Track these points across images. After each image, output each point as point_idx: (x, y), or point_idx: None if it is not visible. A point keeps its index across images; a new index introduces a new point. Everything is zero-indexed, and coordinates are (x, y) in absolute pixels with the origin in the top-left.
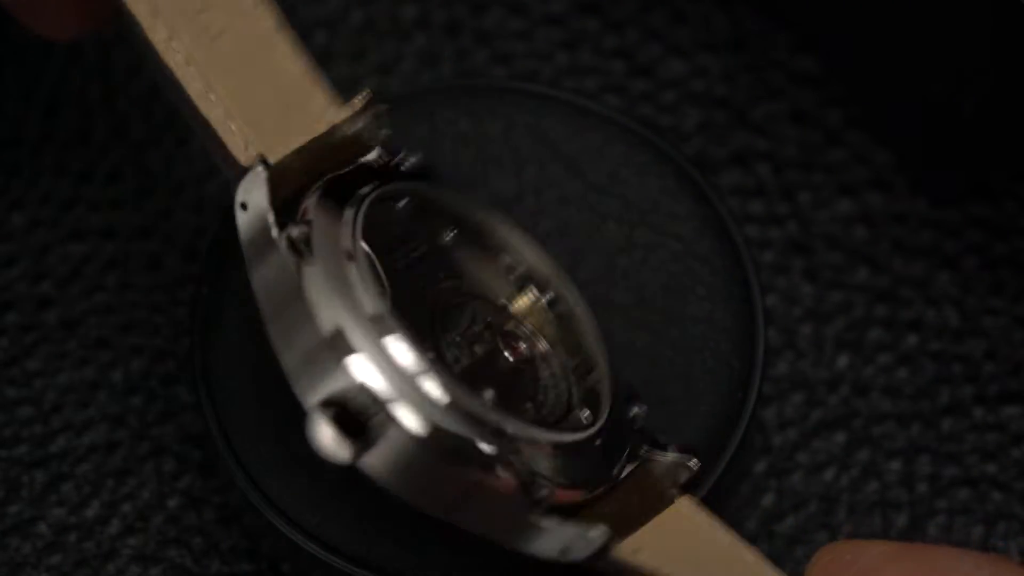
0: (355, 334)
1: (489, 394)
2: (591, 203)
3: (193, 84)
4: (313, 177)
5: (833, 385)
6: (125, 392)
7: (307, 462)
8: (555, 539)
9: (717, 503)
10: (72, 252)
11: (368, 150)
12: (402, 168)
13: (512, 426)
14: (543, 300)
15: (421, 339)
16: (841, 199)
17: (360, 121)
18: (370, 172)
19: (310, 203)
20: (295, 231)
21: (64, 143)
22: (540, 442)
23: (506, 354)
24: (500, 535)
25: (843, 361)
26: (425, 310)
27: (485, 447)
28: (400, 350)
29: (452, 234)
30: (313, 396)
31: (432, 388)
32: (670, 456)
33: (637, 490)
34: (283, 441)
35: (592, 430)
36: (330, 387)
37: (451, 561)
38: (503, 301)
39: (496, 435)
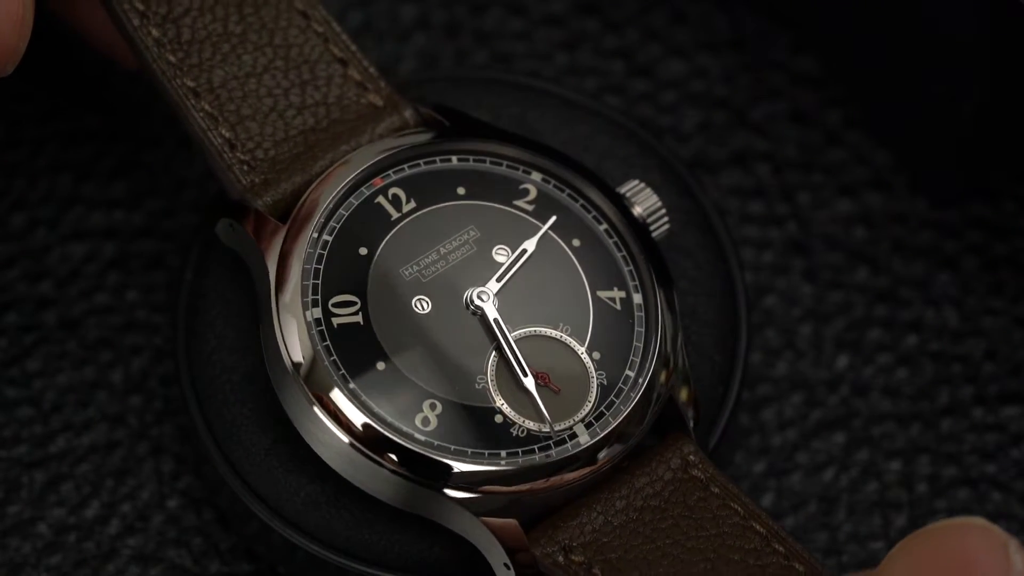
0: None
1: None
2: None
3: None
4: None
5: (833, 385)
6: (125, 392)
7: (305, 462)
8: None
9: None
10: (72, 252)
11: None
12: None
13: None
14: None
15: None
16: (841, 199)
17: None
18: None
19: None
20: None
21: (64, 143)
22: None
23: None
24: None
25: (843, 361)
26: None
27: None
28: None
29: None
30: None
31: None
32: None
33: None
34: (271, 438)
35: None
36: None
37: (450, 557)
38: None
39: None
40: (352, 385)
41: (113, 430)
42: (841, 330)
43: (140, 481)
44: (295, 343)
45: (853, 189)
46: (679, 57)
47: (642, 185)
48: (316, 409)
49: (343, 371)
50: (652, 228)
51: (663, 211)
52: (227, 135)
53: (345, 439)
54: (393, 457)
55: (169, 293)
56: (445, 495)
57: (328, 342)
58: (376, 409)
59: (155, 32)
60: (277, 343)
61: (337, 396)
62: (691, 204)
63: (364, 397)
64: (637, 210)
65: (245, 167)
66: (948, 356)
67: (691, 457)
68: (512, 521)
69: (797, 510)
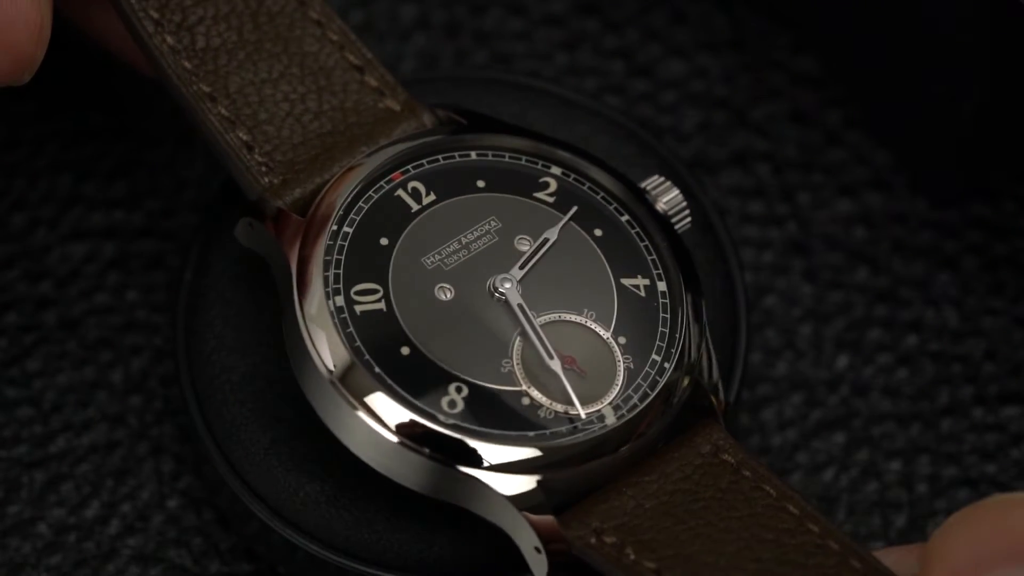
0: None
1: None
2: None
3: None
4: None
5: (833, 385)
6: (125, 392)
7: (304, 461)
8: None
9: None
10: (72, 252)
11: None
12: None
13: None
14: None
15: None
16: (841, 199)
17: None
18: None
19: None
20: None
21: (64, 143)
22: None
23: None
24: None
25: (843, 361)
26: None
27: None
28: None
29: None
30: None
31: None
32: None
33: None
34: (270, 437)
35: None
36: None
37: (449, 557)
38: None
39: None
40: (378, 371)
41: (113, 430)
42: (841, 330)
43: (140, 481)
44: (323, 344)
45: (853, 189)
46: (679, 57)
47: (664, 180)
48: (360, 414)
49: (367, 356)
50: (675, 222)
51: (685, 206)
52: (245, 138)
53: (394, 439)
54: (427, 450)
55: (169, 293)
56: (481, 482)
57: (351, 329)
58: (410, 398)
59: (170, 40)
60: (303, 339)
61: (377, 398)
62: (691, 204)
63: (390, 382)
64: (660, 205)
65: (263, 168)
66: (948, 356)
67: (721, 442)
68: (550, 518)
69: None
